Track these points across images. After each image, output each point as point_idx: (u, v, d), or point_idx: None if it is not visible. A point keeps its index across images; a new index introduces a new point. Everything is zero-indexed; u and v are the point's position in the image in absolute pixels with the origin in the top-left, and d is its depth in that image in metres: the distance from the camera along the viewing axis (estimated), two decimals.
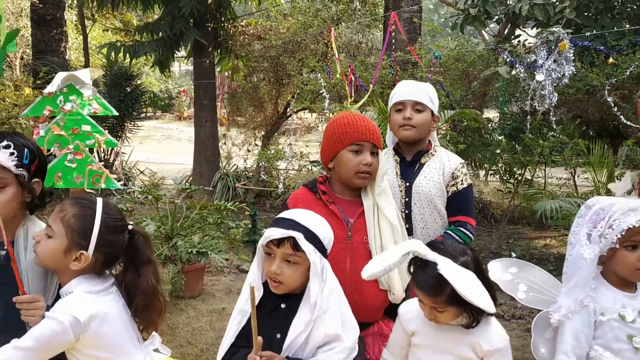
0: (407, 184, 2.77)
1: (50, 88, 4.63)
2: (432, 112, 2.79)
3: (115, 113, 5.05)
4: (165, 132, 21.10)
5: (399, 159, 2.85)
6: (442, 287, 1.82)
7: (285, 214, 2.01)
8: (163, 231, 5.20)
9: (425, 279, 1.85)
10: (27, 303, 1.83)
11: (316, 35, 8.33)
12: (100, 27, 15.51)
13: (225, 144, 10.66)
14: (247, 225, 6.60)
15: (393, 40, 6.58)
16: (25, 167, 2.01)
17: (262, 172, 8.58)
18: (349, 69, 6.66)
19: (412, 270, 1.93)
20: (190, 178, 10.07)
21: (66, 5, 11.02)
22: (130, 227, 2.00)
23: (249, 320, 1.92)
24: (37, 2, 9.67)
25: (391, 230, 2.33)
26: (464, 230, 2.71)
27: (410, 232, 2.73)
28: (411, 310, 2.06)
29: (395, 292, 2.30)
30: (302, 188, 2.47)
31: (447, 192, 2.75)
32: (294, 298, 1.97)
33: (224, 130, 10.97)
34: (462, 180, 2.77)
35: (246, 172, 9.98)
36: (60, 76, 4.68)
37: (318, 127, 9.12)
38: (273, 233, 1.90)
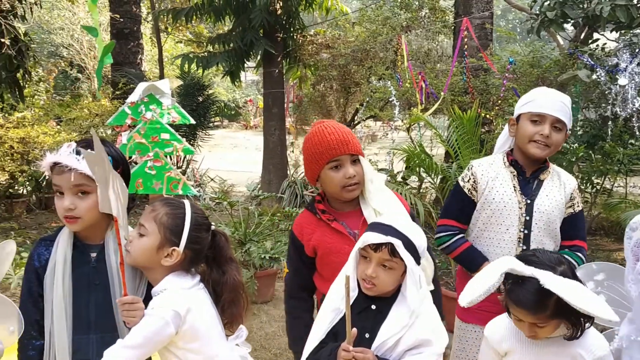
0: (529, 202, 2.56)
1: (132, 98, 4.83)
2: (567, 131, 2.57)
3: (193, 122, 5.21)
4: (232, 140, 21.57)
5: (515, 172, 2.62)
6: (546, 302, 1.77)
7: (383, 220, 2.03)
8: (237, 236, 5.31)
9: (526, 296, 1.80)
10: (129, 304, 1.90)
11: (385, 43, 8.32)
12: (173, 40, 16.08)
13: (293, 151, 10.79)
14: None
15: (465, 47, 6.48)
16: None
17: None
18: (420, 76, 6.60)
19: (506, 288, 1.88)
20: (259, 185, 10.25)
21: (142, 19, 11.49)
22: (212, 227, 2.08)
23: (340, 319, 1.97)
24: (118, 17, 10.12)
25: None
26: (582, 257, 2.55)
27: None
28: (499, 330, 2.02)
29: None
30: (304, 211, 2.43)
31: (564, 213, 2.58)
32: (385, 300, 2.00)
33: (292, 138, 11.10)
34: (577, 202, 2.61)
35: None
36: (141, 86, 4.88)
37: (387, 134, 9.07)
38: (372, 238, 1.93)
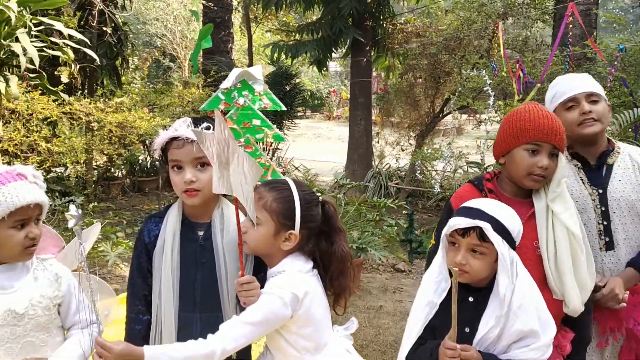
0: (600, 191, 2.41)
1: (226, 83, 4.89)
2: (605, 101, 2.45)
3: (284, 108, 5.21)
4: (315, 130, 21.68)
5: (579, 164, 2.48)
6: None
7: (470, 203, 1.93)
8: None
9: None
10: (247, 284, 1.87)
11: (480, 31, 8.02)
12: (261, 29, 16.31)
13: (378, 142, 10.67)
14: (403, 224, 6.52)
15: (569, 34, 6.10)
16: None
17: (418, 172, 8.43)
18: (517, 65, 6.29)
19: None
20: (345, 174, 10.23)
21: (233, 8, 11.70)
22: (320, 198, 2.02)
23: (436, 312, 1.89)
24: (212, 5, 10.33)
25: (568, 238, 2.07)
26: None
27: (611, 246, 2.39)
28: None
29: (571, 306, 2.06)
30: (467, 185, 2.33)
31: None
32: (483, 291, 1.90)
33: (378, 128, 10.98)
34: None
35: (398, 171, 9.90)
36: (235, 72, 4.93)
37: (479, 126, 8.77)
38: (458, 222, 1.85)
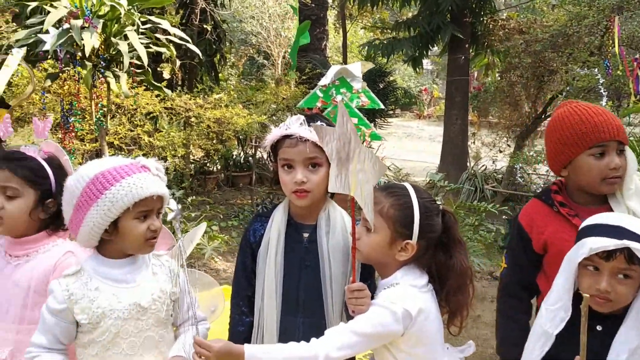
0: None
1: (324, 81, 4.83)
2: None
3: (382, 106, 5.09)
4: (406, 129, 21.36)
5: None
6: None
7: (606, 220, 1.70)
8: None
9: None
10: (358, 291, 1.76)
11: (591, 26, 7.50)
12: (356, 26, 16.24)
13: (474, 142, 10.29)
14: (501, 230, 6.22)
15: None
16: None
17: (518, 175, 8.04)
18: (635, 64, 5.81)
19: None
20: (440, 176, 9.94)
21: (329, 5, 11.69)
22: (441, 207, 1.88)
23: (553, 345, 1.72)
24: (309, 2, 10.35)
25: None
26: None
27: None
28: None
29: None
30: (533, 200, 2.13)
31: None
32: (612, 319, 1.69)
33: (474, 129, 10.60)
34: None
35: (495, 174, 9.49)
36: (333, 69, 4.86)
37: None
38: (604, 243, 1.61)
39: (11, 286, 1.92)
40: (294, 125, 1.91)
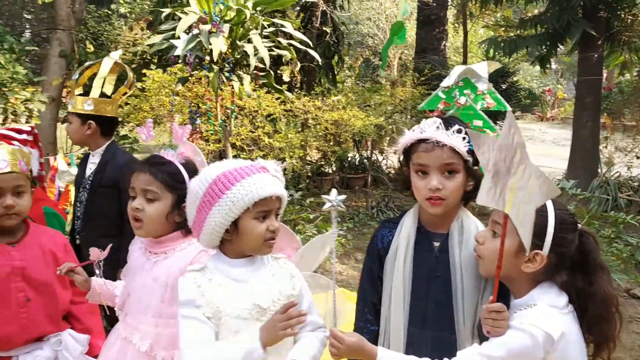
0: None
1: (447, 82, 4.65)
2: None
3: (509, 109, 4.83)
4: (527, 132, 20.30)
5: None
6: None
7: None
8: None
9: None
10: (496, 312, 1.64)
11: None
12: (475, 25, 15.70)
13: (606, 147, 9.54)
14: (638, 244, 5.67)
15: None
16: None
17: None
18: None
19: None
20: (572, 182, 9.31)
21: (449, 4, 11.38)
22: (579, 225, 1.71)
23: None
24: (431, 1, 10.14)
25: None
26: None
27: None
28: None
29: None
30: None
31: None
32: None
33: (607, 132, 9.83)
34: None
35: (630, 182, 8.73)
36: (457, 70, 4.67)
37: None
38: None
39: (150, 282, 2.00)
40: (430, 128, 1.81)
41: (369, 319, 2.00)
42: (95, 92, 3.32)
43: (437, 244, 1.92)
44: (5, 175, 2.15)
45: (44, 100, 6.25)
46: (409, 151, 1.89)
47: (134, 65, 8.50)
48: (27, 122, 5.97)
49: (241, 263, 1.77)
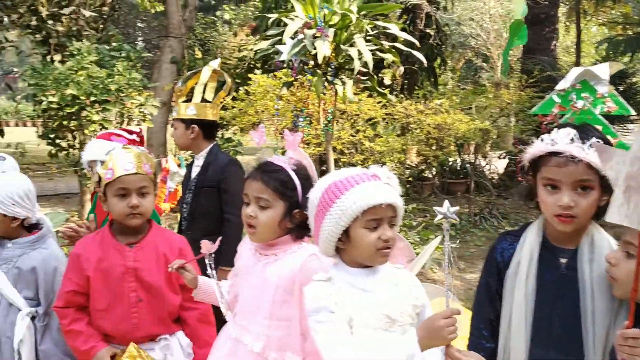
0: None
1: (563, 84, 4.39)
2: None
3: (633, 112, 4.49)
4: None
5: None
6: None
7: None
8: None
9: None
10: (634, 339, 1.50)
11: None
12: (587, 23, 14.84)
13: None
14: None
15: None
16: None
17: None
18: None
19: None
20: None
21: (560, 2, 10.79)
22: None
23: None
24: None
25: None
26: None
27: None
28: None
29: None
30: None
31: None
32: None
33: None
34: None
35: None
36: (574, 72, 4.39)
37: None
38: None
39: (262, 283, 2.01)
40: (563, 140, 1.67)
41: (484, 335, 1.89)
42: (197, 98, 3.49)
43: (564, 261, 1.78)
44: (131, 176, 2.25)
45: (157, 105, 6.58)
46: (537, 162, 1.76)
47: (238, 70, 8.77)
48: (137, 124, 6.32)
49: (363, 273, 1.74)
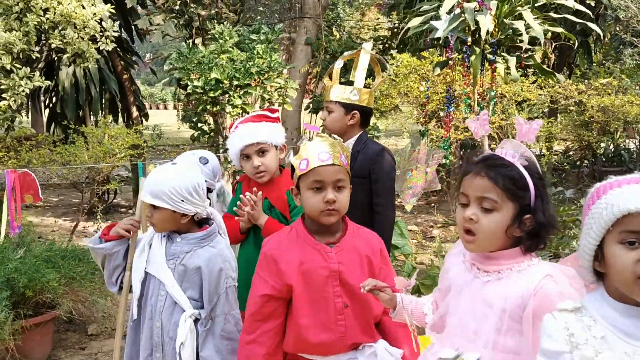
0: None
1: None
2: None
3: None
4: None
5: None
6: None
7: None
8: None
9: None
10: None
11: None
12: None
13: None
14: None
15: None
16: None
17: None
18: None
19: None
20: None
21: None
22: None
23: None
24: None
25: None
26: None
27: None
28: None
29: None
30: None
31: None
32: None
33: None
34: None
35: None
36: None
37: None
38: None
39: (481, 305, 1.65)
40: None
41: None
42: (359, 83, 3.25)
43: None
44: (327, 168, 1.99)
45: (295, 87, 6.38)
46: None
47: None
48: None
49: (635, 312, 1.29)
